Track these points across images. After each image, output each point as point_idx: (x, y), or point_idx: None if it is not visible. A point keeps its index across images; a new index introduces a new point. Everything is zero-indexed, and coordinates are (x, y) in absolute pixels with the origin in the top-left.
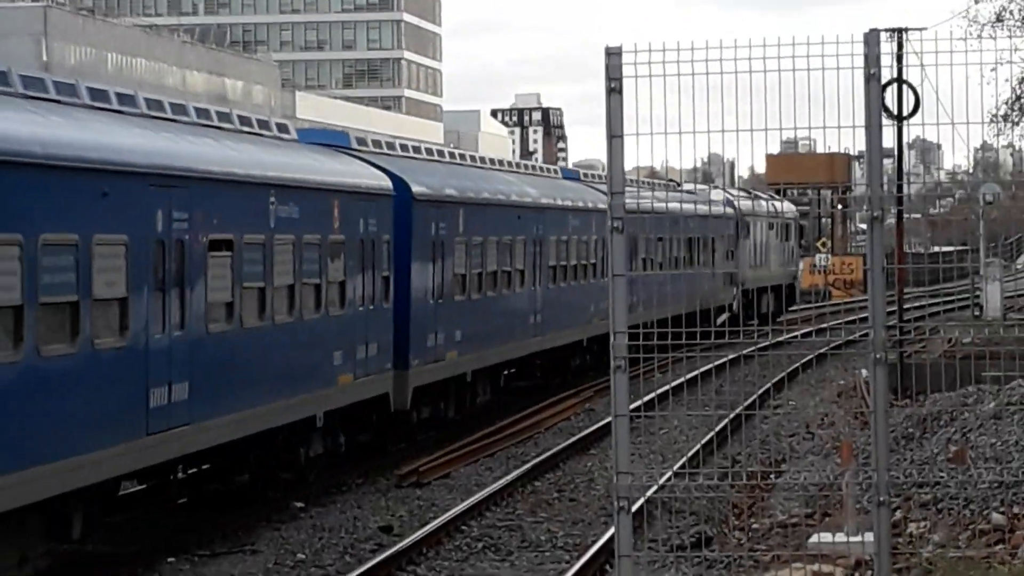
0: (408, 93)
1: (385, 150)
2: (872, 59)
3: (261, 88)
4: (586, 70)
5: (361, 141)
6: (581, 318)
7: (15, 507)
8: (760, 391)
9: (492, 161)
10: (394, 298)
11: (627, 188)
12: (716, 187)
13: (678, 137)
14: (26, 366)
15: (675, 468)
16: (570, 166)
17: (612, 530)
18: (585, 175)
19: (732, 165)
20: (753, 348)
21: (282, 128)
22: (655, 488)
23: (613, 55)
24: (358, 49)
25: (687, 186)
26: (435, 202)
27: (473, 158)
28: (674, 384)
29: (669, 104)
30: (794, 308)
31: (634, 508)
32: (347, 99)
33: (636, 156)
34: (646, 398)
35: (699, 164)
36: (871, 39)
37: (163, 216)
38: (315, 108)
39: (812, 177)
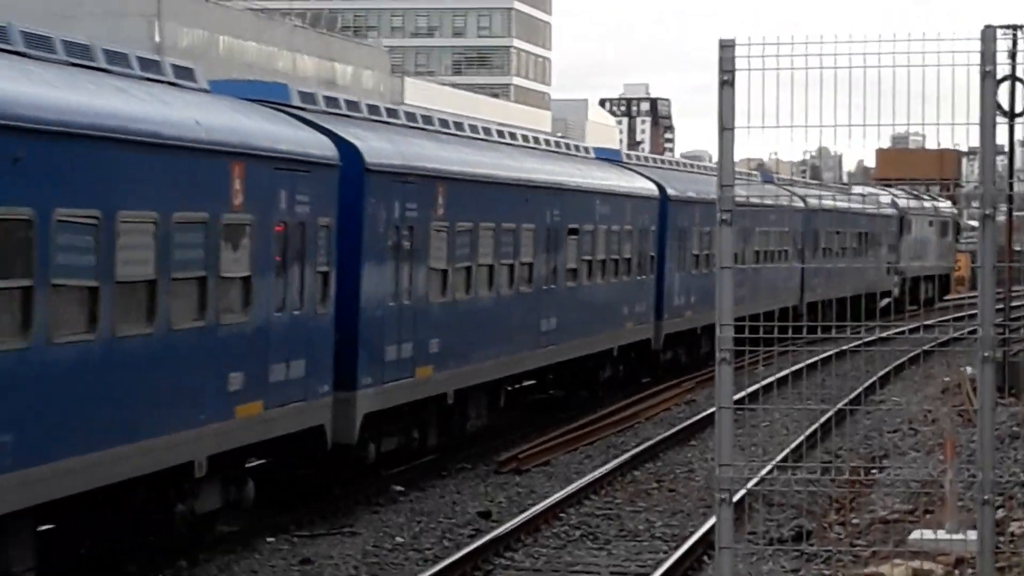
0: (517, 81)
1: (645, 162)
2: (988, 56)
3: (371, 73)
4: (695, 61)
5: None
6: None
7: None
8: (863, 386)
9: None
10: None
11: (822, 193)
12: (883, 191)
13: (788, 130)
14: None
15: (776, 461)
16: (678, 156)
17: (711, 521)
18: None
19: (840, 159)
20: (857, 343)
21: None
22: (755, 481)
23: (727, 47)
24: (468, 36)
25: (857, 189)
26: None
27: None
28: (777, 377)
29: (780, 97)
30: (948, 297)
31: (734, 500)
32: (456, 86)
33: (746, 148)
34: (749, 390)
35: (807, 157)
36: (987, 36)
37: (549, 214)
38: (424, 94)
39: (921, 173)
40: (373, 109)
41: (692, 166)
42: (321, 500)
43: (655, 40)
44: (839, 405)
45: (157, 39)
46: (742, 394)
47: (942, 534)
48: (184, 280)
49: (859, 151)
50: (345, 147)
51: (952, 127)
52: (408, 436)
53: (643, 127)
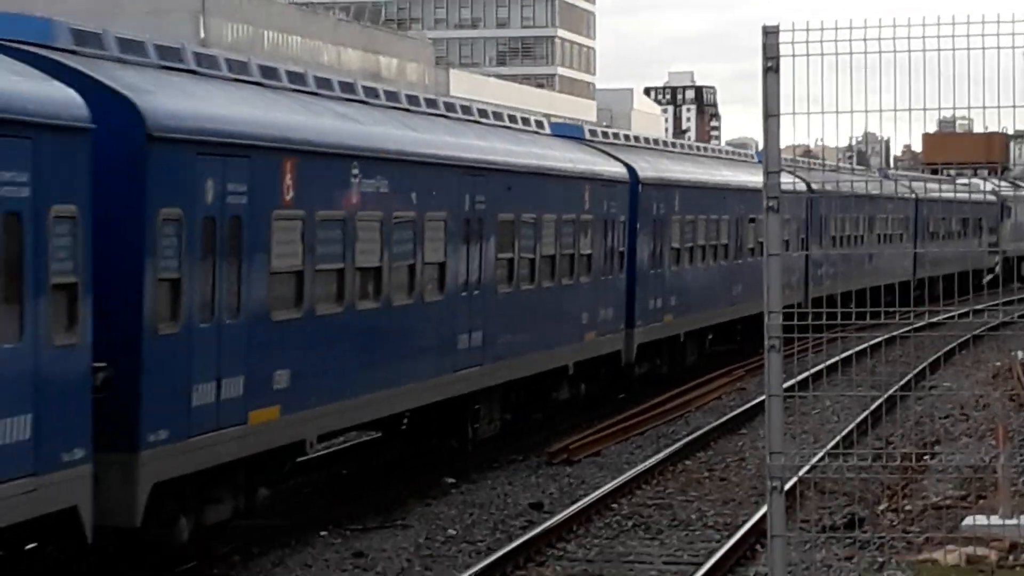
0: (561, 71)
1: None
2: None
3: (415, 66)
4: (741, 49)
5: (593, 133)
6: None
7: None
8: (914, 372)
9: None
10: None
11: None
12: (985, 179)
13: (834, 116)
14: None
15: (828, 449)
16: (723, 144)
17: (763, 510)
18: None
19: (887, 144)
20: (907, 329)
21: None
22: (807, 468)
23: (770, 33)
24: (512, 27)
25: (961, 180)
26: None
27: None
28: (828, 363)
29: (826, 83)
30: None
31: (786, 488)
32: (500, 77)
33: (792, 135)
34: (800, 377)
35: (853, 143)
36: None
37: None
38: (468, 85)
39: (968, 157)
40: (634, 137)
41: (683, 146)
42: (374, 493)
43: (700, 28)
44: (890, 391)
45: (202, 35)
46: (793, 381)
47: (995, 520)
48: (565, 255)
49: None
50: (628, 168)
51: (998, 110)
52: (653, 363)
53: (688, 115)
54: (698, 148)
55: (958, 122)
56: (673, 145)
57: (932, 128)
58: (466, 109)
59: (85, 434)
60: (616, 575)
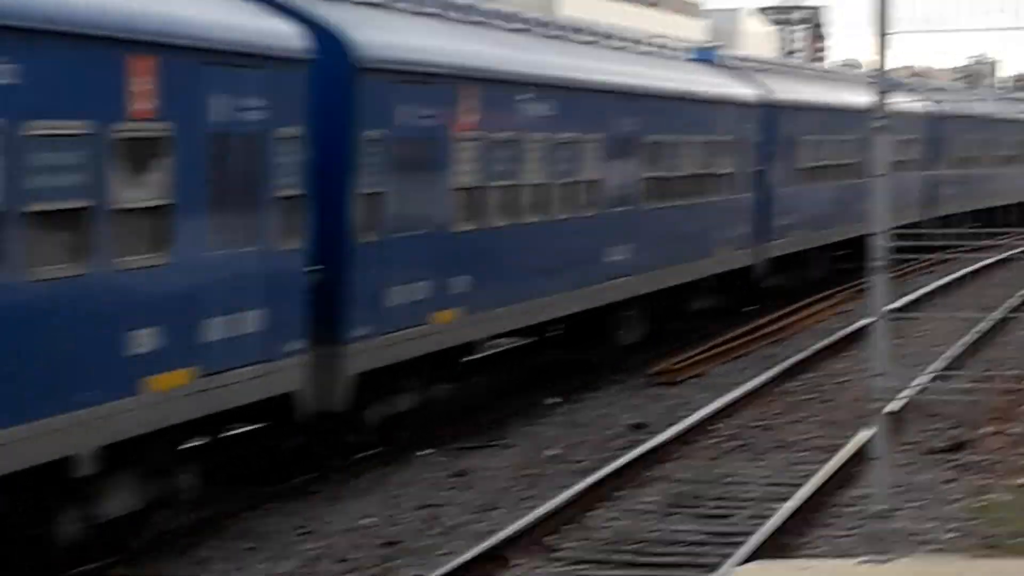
0: None
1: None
2: None
3: None
4: None
5: (724, 58)
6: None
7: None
8: (1022, 294)
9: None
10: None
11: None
12: None
13: (946, 37)
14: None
15: (933, 371)
16: (829, 65)
17: (866, 433)
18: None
19: (994, 66)
20: (1017, 251)
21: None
22: (912, 390)
23: None
24: None
25: None
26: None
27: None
28: (937, 285)
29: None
30: None
31: (890, 410)
32: None
33: (906, 55)
34: (908, 298)
35: (971, 63)
36: None
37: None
38: (580, 4)
39: None
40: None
41: (808, 69)
42: (477, 413)
43: None
44: (996, 314)
45: None
46: (900, 302)
47: None
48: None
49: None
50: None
51: None
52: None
53: (797, 36)
54: (821, 70)
55: None
56: (798, 68)
57: None
58: (617, 37)
59: (303, 329)
60: (717, 496)
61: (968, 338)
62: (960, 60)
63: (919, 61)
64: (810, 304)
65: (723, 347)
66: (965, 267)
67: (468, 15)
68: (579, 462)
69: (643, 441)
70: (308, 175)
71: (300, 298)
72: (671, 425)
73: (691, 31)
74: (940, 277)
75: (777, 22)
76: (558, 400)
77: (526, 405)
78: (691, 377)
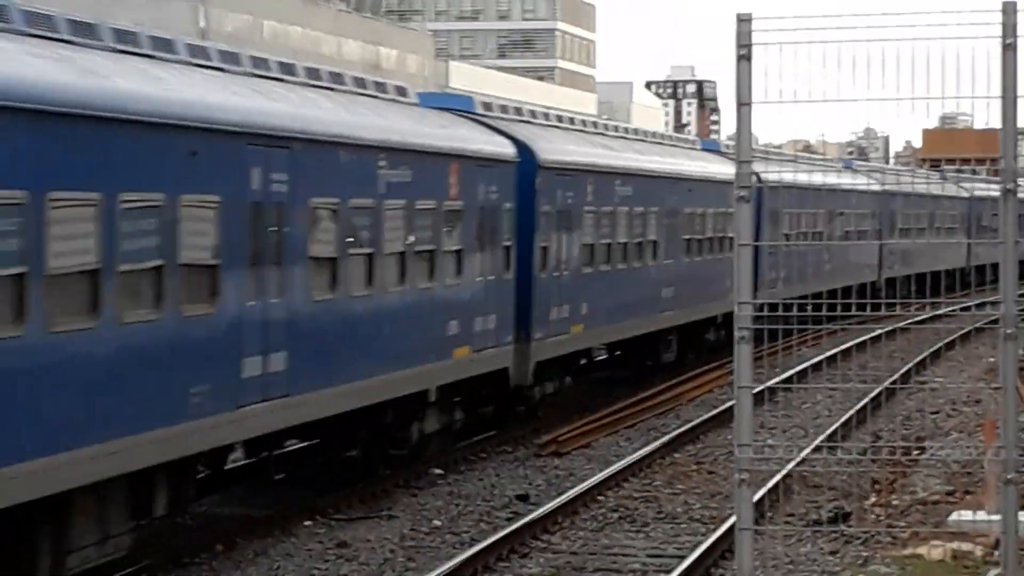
0: (562, 64)
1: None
2: (1009, 29)
3: (415, 57)
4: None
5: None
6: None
7: None
8: (906, 367)
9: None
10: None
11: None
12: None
13: (822, 108)
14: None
15: (816, 442)
16: (723, 139)
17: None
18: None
19: (887, 140)
20: (902, 324)
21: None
22: (796, 462)
23: (743, 21)
24: (513, 19)
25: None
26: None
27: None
28: (818, 359)
29: (802, 73)
30: None
31: (772, 482)
32: (501, 69)
33: (792, 130)
34: (793, 370)
35: (854, 138)
36: (1008, 8)
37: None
38: (469, 78)
39: (968, 152)
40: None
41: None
42: (359, 483)
43: (702, 21)
44: (882, 386)
45: (202, 24)
46: (785, 375)
47: (981, 515)
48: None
49: (907, 132)
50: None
51: (988, 102)
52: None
53: (689, 109)
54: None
55: (959, 118)
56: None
57: (932, 124)
58: (659, 135)
59: (511, 329)
60: (600, 567)
61: (852, 410)
62: (845, 135)
63: (811, 135)
64: (696, 375)
65: (610, 418)
66: (850, 340)
67: (590, 128)
68: (463, 533)
69: (527, 512)
70: (514, 233)
71: (511, 309)
72: (556, 496)
73: (585, 104)
74: (827, 349)
75: (668, 96)
76: (440, 472)
77: (411, 475)
78: (578, 448)
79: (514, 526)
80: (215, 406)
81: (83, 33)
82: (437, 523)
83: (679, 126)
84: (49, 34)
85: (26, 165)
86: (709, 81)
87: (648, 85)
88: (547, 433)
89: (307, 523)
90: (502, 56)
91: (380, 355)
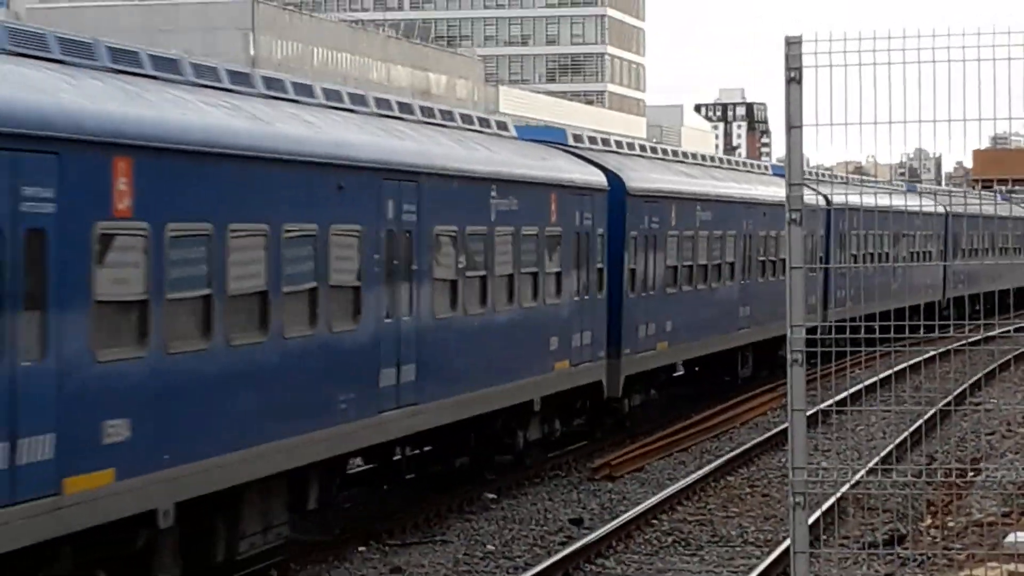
0: (611, 88)
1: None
2: None
3: (464, 83)
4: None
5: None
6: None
7: None
8: (960, 388)
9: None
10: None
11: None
12: None
13: (873, 130)
14: None
15: (870, 465)
16: (775, 162)
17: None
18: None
19: (939, 160)
20: (956, 344)
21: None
22: (850, 484)
23: (793, 44)
24: (562, 44)
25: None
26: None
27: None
28: (872, 380)
29: (853, 95)
30: None
31: (827, 505)
32: (550, 94)
33: (843, 152)
34: (846, 392)
35: (904, 160)
36: None
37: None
38: (518, 103)
39: (1020, 172)
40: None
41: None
42: (414, 508)
43: (750, 42)
44: (936, 407)
45: (252, 52)
46: (839, 397)
47: None
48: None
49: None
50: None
51: None
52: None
53: (739, 132)
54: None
55: (1013, 138)
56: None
57: (984, 144)
58: (718, 159)
59: (604, 345)
60: None
61: (906, 432)
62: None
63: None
64: (748, 399)
65: (663, 441)
66: (904, 361)
67: (673, 157)
68: (516, 558)
69: (581, 536)
70: (606, 256)
71: (604, 327)
72: (609, 520)
73: (635, 128)
74: (878, 372)
75: (718, 119)
76: (493, 496)
77: (464, 500)
78: (631, 472)
79: (568, 550)
80: (359, 412)
81: (240, 81)
82: (491, 548)
83: (729, 148)
84: (214, 84)
85: (211, 201)
86: (759, 103)
87: (697, 108)
88: (600, 457)
89: (361, 548)
90: (551, 80)
91: (493, 367)
